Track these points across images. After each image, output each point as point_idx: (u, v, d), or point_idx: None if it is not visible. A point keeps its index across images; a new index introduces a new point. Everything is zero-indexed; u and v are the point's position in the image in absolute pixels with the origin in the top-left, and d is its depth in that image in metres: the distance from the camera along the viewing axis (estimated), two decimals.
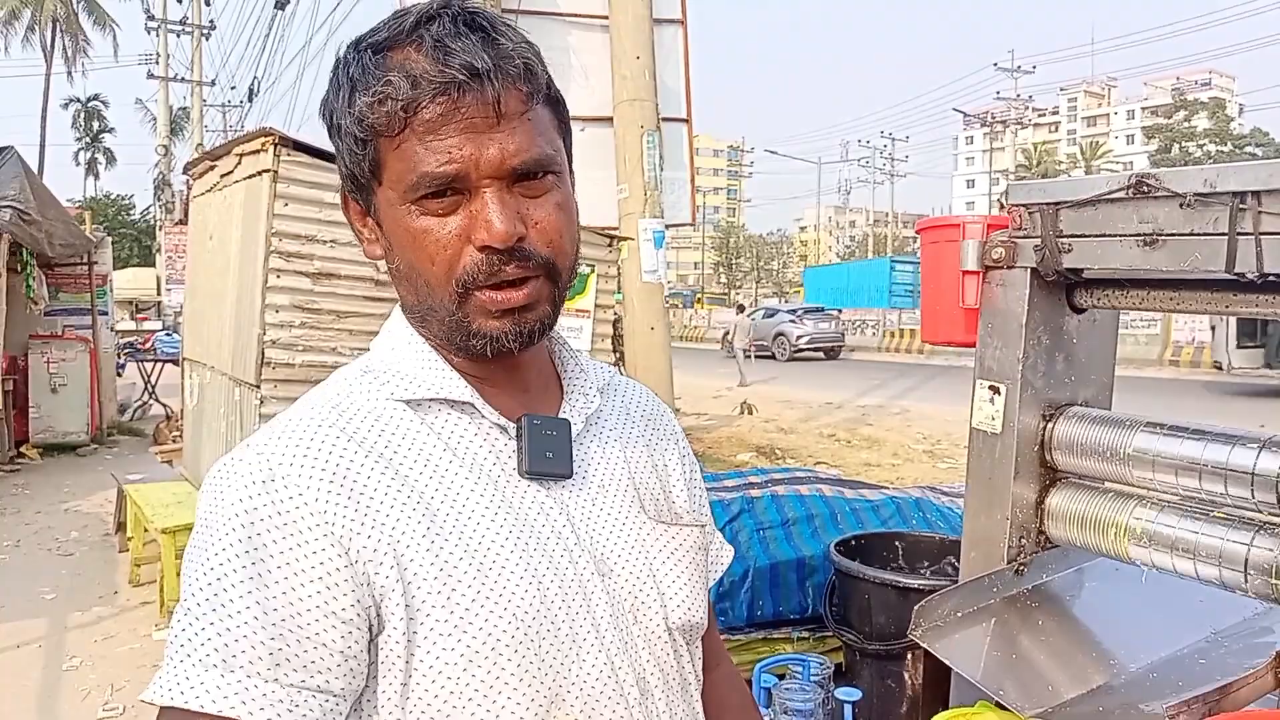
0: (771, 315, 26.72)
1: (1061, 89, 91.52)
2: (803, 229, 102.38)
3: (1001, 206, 1.85)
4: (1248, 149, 56.59)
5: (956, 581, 1.88)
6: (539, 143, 0.83)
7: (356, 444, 0.81)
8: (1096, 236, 1.66)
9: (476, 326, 0.83)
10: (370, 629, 0.77)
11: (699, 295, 33.91)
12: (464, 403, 0.87)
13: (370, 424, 0.84)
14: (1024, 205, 1.77)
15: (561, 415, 0.93)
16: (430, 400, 0.87)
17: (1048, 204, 1.71)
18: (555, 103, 0.87)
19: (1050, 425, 1.82)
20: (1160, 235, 1.56)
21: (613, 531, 0.92)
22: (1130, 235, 1.60)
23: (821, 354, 24.62)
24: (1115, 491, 1.73)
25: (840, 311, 27.61)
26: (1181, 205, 1.52)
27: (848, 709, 2.24)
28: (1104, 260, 1.66)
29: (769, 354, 24.27)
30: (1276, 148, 55.15)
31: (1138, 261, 1.60)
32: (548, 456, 0.88)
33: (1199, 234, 1.51)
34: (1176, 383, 15.31)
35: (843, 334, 25.61)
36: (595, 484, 0.93)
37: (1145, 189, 1.57)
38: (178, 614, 0.76)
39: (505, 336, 0.84)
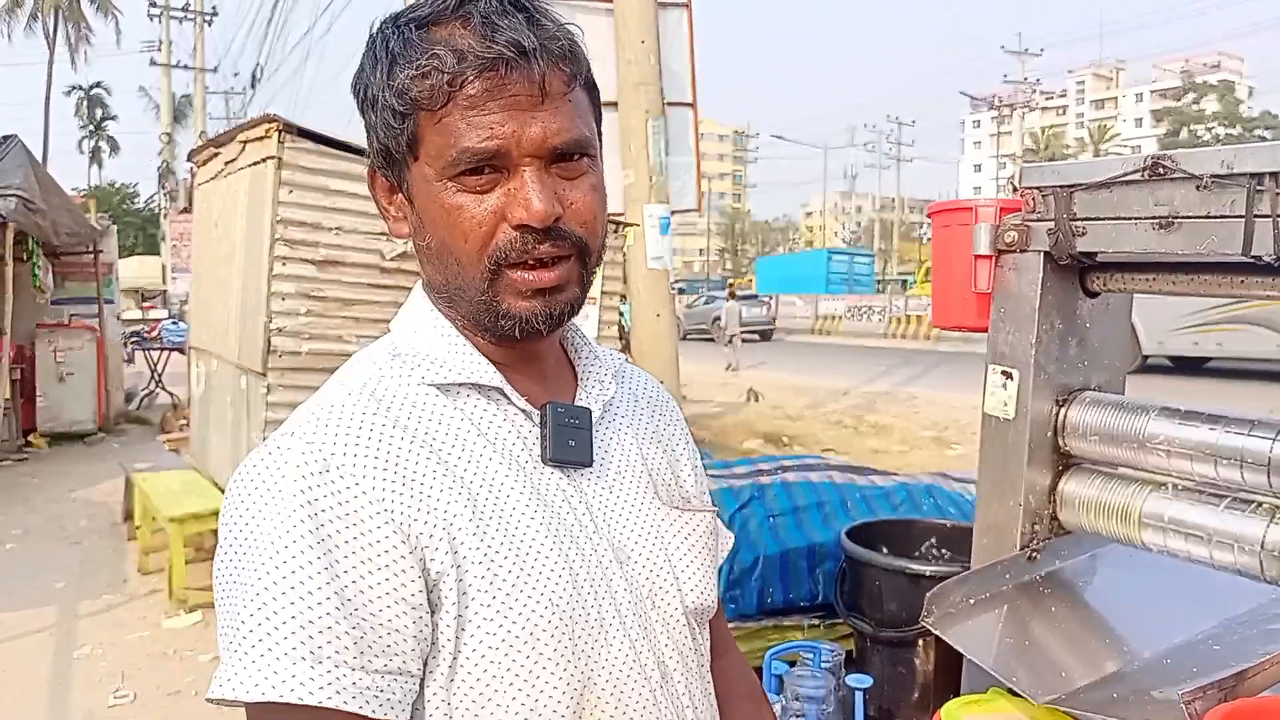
0: (709, 302, 28.81)
1: (1070, 72, 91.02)
2: (808, 215, 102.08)
3: (1014, 189, 1.83)
4: (1257, 132, 56.22)
5: (968, 568, 1.87)
6: (578, 124, 0.83)
7: (402, 430, 0.82)
8: (1111, 219, 1.64)
9: (506, 306, 0.83)
10: (430, 611, 0.78)
11: (731, 282, 33.92)
12: (492, 388, 0.87)
13: (409, 410, 0.84)
14: (1037, 188, 1.75)
15: (579, 402, 0.94)
16: (460, 385, 0.87)
17: (1061, 187, 1.69)
18: (592, 87, 0.88)
19: (1063, 411, 1.80)
20: (1176, 218, 1.54)
21: (629, 519, 0.93)
22: (1145, 218, 1.58)
23: (757, 336, 26.46)
24: (1129, 477, 1.72)
25: (775, 297, 30.80)
26: (1198, 187, 1.50)
27: (859, 696, 2.24)
28: (1118, 243, 1.64)
29: (710, 337, 25.87)
30: None
31: (1153, 245, 1.58)
32: (570, 445, 0.88)
33: (1215, 216, 1.49)
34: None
35: (773, 318, 28.31)
36: (612, 471, 0.94)
37: (1161, 171, 1.55)
38: (245, 607, 0.74)
39: (535, 318, 0.84)
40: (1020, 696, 1.55)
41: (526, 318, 0.84)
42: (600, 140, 0.90)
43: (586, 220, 0.85)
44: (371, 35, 0.84)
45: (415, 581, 0.77)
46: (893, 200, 75.21)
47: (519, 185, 0.80)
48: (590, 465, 0.90)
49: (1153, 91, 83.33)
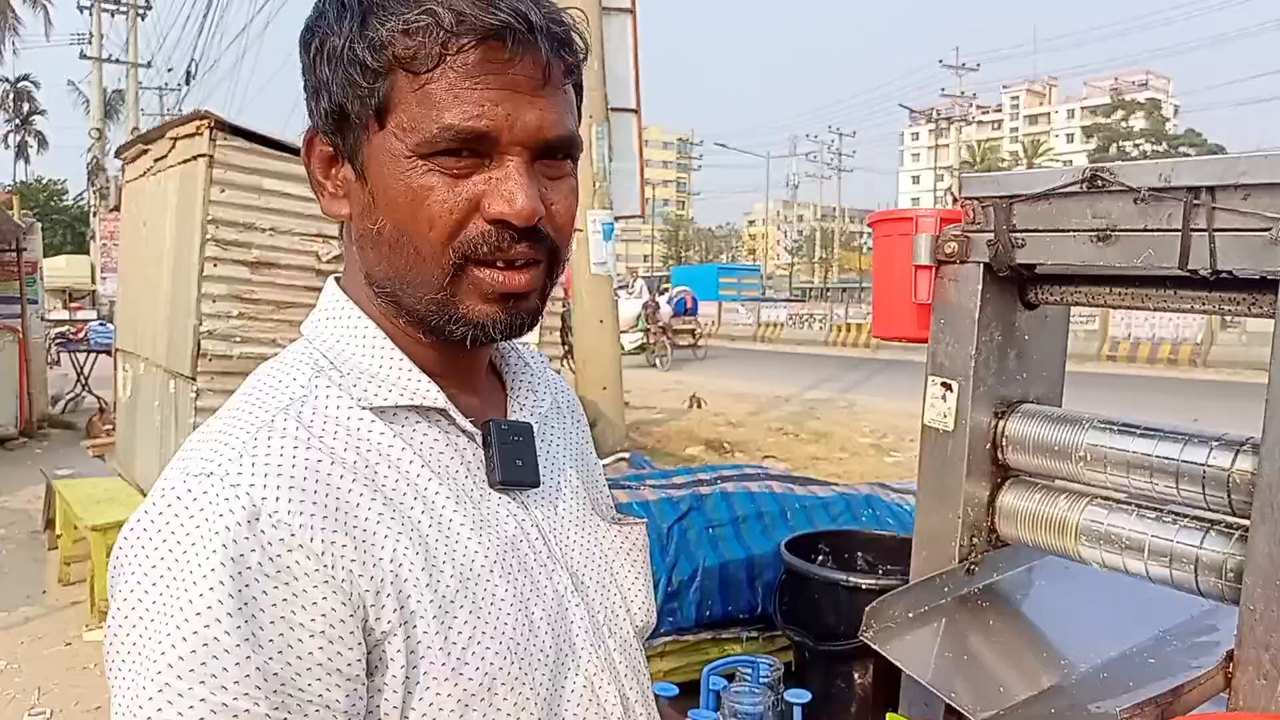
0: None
1: (1004, 87, 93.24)
2: (751, 223, 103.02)
3: (954, 200, 1.83)
4: (1181, 149, 58.15)
5: (907, 580, 1.86)
6: (569, 120, 0.74)
7: (341, 466, 0.70)
8: (1050, 231, 1.64)
9: (464, 310, 0.74)
10: (369, 677, 0.68)
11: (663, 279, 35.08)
12: (435, 409, 0.77)
13: (344, 439, 0.72)
14: (977, 199, 1.74)
15: (511, 415, 0.86)
16: (399, 408, 0.76)
17: (1001, 198, 1.69)
18: (580, 85, 0.78)
19: (1002, 423, 1.80)
20: (1114, 230, 1.54)
21: (578, 540, 0.86)
22: (1084, 230, 1.58)
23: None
24: (1067, 490, 1.72)
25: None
26: (1136, 200, 1.50)
27: (797, 711, 2.22)
28: (1057, 255, 1.64)
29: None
30: (1208, 149, 56.70)
31: (1090, 257, 1.58)
32: (517, 464, 0.80)
33: (1152, 230, 1.49)
34: (1114, 378, 15.63)
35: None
36: (553, 490, 0.87)
37: (1099, 183, 1.55)
38: (143, 689, 0.62)
39: (493, 325, 0.74)
40: None
41: (484, 324, 0.74)
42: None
43: (563, 226, 0.76)
44: None
45: (354, 649, 0.67)
46: (834, 210, 76.24)
47: (503, 176, 0.71)
48: (538, 485, 0.82)
49: (1083, 108, 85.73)
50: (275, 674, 0.63)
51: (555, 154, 0.74)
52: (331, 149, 0.77)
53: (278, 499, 0.66)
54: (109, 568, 0.69)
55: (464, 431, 0.79)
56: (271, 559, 0.64)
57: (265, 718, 0.63)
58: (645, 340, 20.23)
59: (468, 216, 0.71)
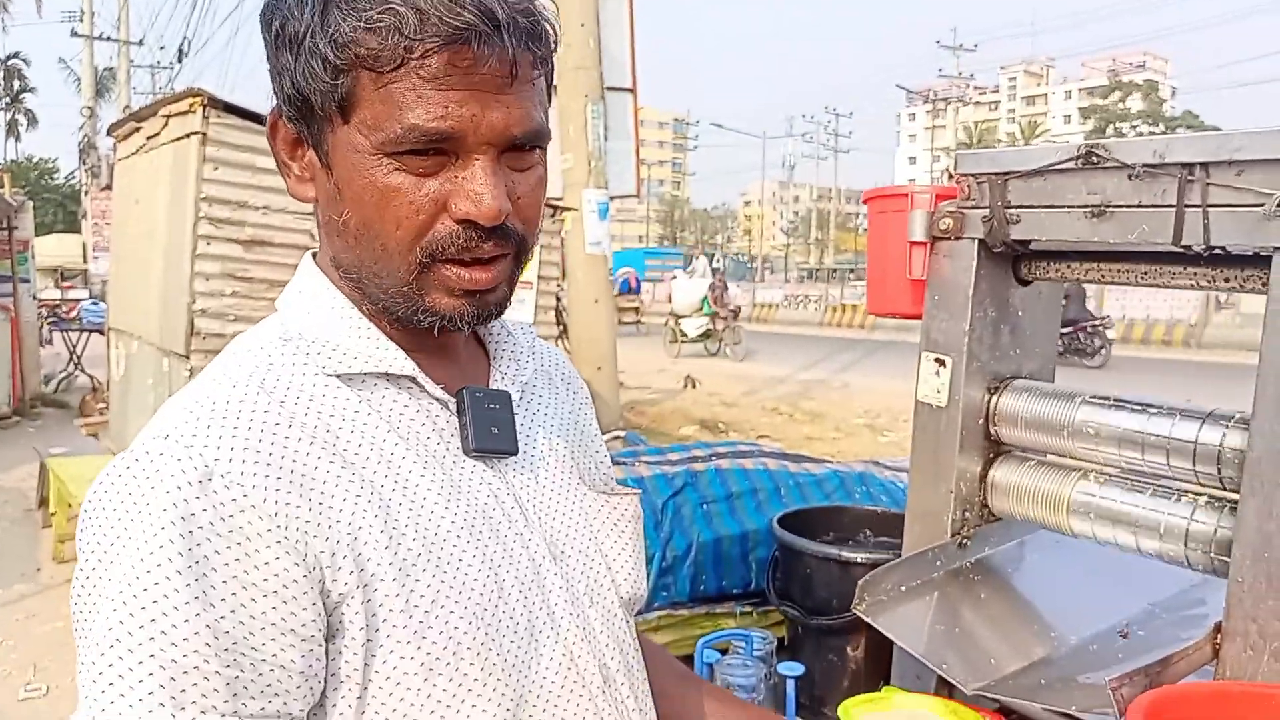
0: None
1: (1002, 68, 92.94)
2: (747, 203, 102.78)
3: (949, 176, 1.83)
4: (1178, 131, 58.06)
5: (900, 555, 1.87)
6: (538, 112, 0.74)
7: (299, 429, 0.71)
8: (1044, 208, 1.64)
9: (431, 303, 0.74)
10: (326, 640, 0.69)
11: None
12: (403, 377, 0.78)
13: (306, 404, 0.73)
14: (972, 175, 1.74)
15: (494, 384, 0.86)
16: (367, 375, 0.77)
17: (996, 174, 1.69)
18: (552, 70, 0.78)
19: (995, 398, 1.81)
20: (1108, 206, 1.54)
21: (559, 509, 0.86)
22: (1078, 206, 1.58)
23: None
24: (1059, 465, 1.73)
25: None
26: (1130, 176, 1.51)
27: (790, 684, 2.24)
28: (1051, 232, 1.65)
29: None
30: (1205, 131, 56.70)
31: (1085, 233, 1.59)
32: (493, 432, 0.80)
33: (1146, 205, 1.50)
34: (1110, 359, 15.65)
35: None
36: (535, 458, 0.86)
37: (1094, 159, 1.55)
38: (96, 645, 0.64)
39: (460, 317, 0.75)
40: (916, 693, 1.56)
41: (450, 316, 0.75)
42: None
43: (530, 217, 0.76)
44: None
45: (309, 609, 0.67)
46: (830, 190, 76.08)
47: (469, 176, 0.71)
48: (515, 453, 0.82)
49: (1081, 89, 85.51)
50: (226, 633, 0.64)
51: (522, 147, 0.74)
52: (295, 133, 0.76)
53: (230, 459, 0.67)
54: (77, 528, 0.71)
55: (436, 399, 0.80)
56: (224, 519, 0.65)
57: (216, 674, 0.63)
58: (711, 326, 17.90)
59: (434, 217, 0.72)
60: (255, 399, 0.72)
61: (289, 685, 0.66)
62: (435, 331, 0.77)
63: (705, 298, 18.03)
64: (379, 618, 0.69)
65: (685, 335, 18.06)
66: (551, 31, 0.75)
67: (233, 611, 0.64)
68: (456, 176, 0.71)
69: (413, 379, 0.79)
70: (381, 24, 0.67)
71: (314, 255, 0.84)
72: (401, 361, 0.78)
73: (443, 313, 0.75)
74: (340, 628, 0.69)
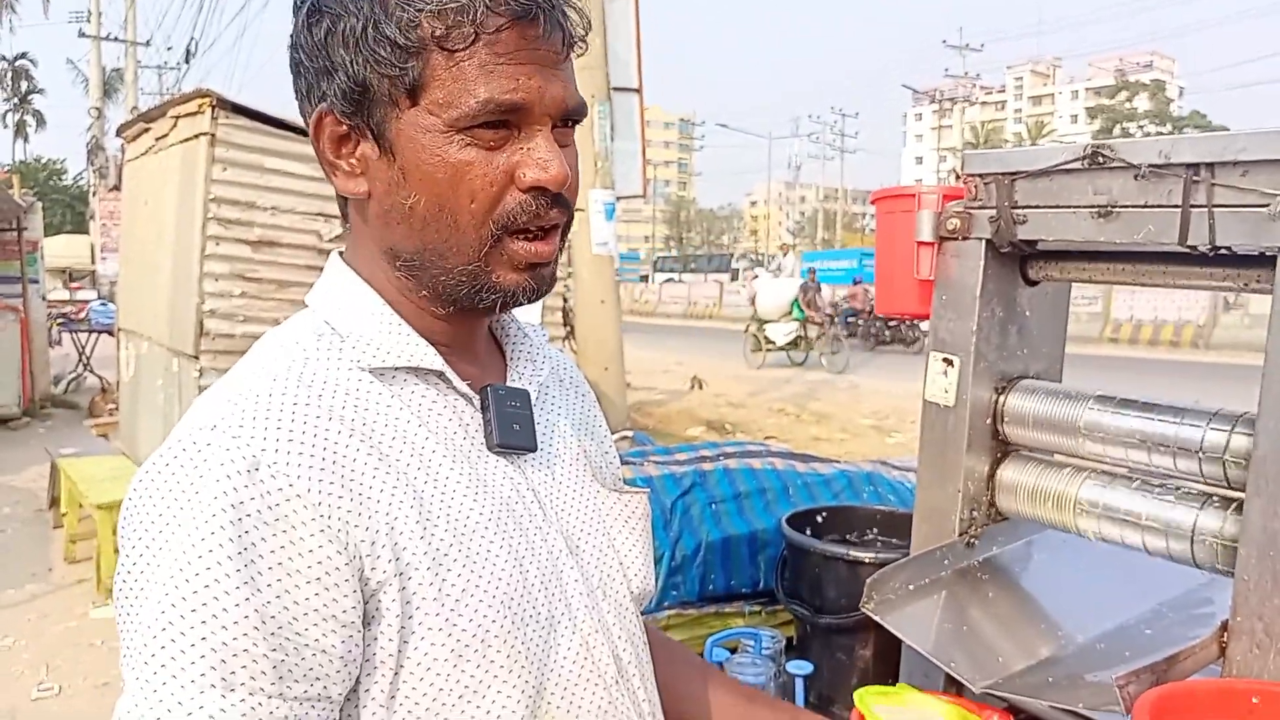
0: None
1: (1008, 68, 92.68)
2: (753, 204, 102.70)
3: (956, 177, 1.84)
4: (1186, 130, 57.89)
5: (908, 554, 1.88)
6: (578, 89, 0.79)
7: (338, 422, 0.74)
8: (1051, 208, 1.65)
9: (497, 279, 0.78)
10: (363, 626, 0.71)
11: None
12: (432, 372, 0.81)
13: (343, 397, 0.76)
14: (979, 175, 1.75)
15: (511, 383, 0.89)
16: (398, 369, 0.80)
17: (1003, 174, 1.70)
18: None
19: (1002, 398, 1.82)
20: (1114, 207, 1.55)
21: (574, 505, 0.89)
22: (1084, 207, 1.59)
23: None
24: (1065, 464, 1.74)
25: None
26: (1136, 177, 1.51)
27: (799, 682, 2.25)
28: (1058, 232, 1.65)
29: None
30: (1213, 130, 56.54)
31: (1091, 233, 1.60)
32: (515, 429, 0.83)
33: (1152, 206, 1.50)
34: (1117, 359, 15.65)
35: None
36: (552, 455, 0.90)
37: (1100, 160, 1.56)
38: (148, 628, 0.65)
39: (520, 292, 0.79)
40: (929, 691, 1.57)
41: (513, 291, 0.79)
42: None
43: (575, 189, 0.81)
44: None
45: (350, 596, 0.70)
46: (836, 191, 75.98)
47: (534, 145, 0.75)
48: (535, 450, 0.85)
49: (1087, 89, 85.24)
50: (273, 617, 0.66)
51: (568, 122, 0.79)
52: (345, 128, 0.78)
53: (277, 450, 0.69)
54: (120, 519, 0.72)
55: (461, 394, 0.82)
56: (270, 507, 0.68)
57: (264, 657, 0.66)
58: (801, 333, 15.90)
59: (504, 189, 0.76)
60: (296, 392, 0.74)
61: (330, 669, 0.69)
62: (496, 309, 0.80)
63: (796, 300, 16.14)
64: (413, 605, 0.72)
65: (771, 343, 15.99)
66: (581, 17, 0.81)
67: (278, 597, 0.67)
68: (522, 148, 0.75)
69: (441, 374, 0.81)
70: (453, 5, 0.72)
71: (341, 254, 0.87)
72: (431, 357, 0.81)
73: (507, 289, 0.79)
74: (377, 614, 0.71)
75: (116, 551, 4.94)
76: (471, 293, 0.79)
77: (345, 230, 0.87)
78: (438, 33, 0.72)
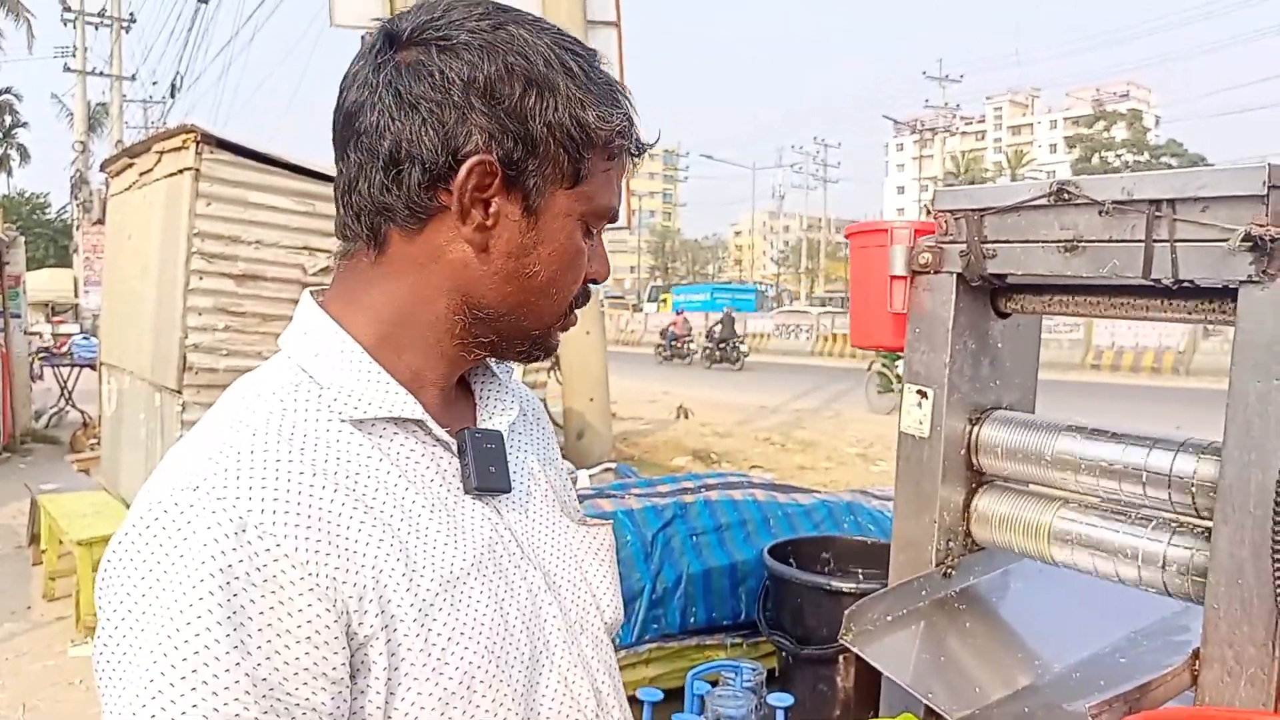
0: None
1: (988, 98, 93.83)
2: (737, 234, 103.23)
3: (928, 212, 1.87)
4: (1163, 159, 58.62)
5: (887, 585, 1.89)
6: None
7: (323, 477, 0.74)
8: (1019, 242, 1.68)
9: (551, 341, 0.90)
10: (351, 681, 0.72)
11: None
12: (411, 420, 0.82)
13: (324, 451, 0.76)
14: (950, 211, 1.79)
15: (481, 423, 0.90)
16: (377, 420, 0.80)
17: (973, 210, 1.73)
18: None
19: (976, 429, 1.84)
20: (1080, 241, 1.59)
21: (549, 542, 0.91)
22: (1051, 241, 1.63)
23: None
24: (1039, 494, 1.76)
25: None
26: (1100, 212, 1.55)
27: (780, 714, 2.24)
28: (1026, 266, 1.69)
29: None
30: (1190, 159, 57.24)
31: (1058, 267, 1.63)
32: (491, 471, 0.85)
33: (1117, 240, 1.54)
34: (1098, 386, 15.75)
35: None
36: (525, 494, 0.91)
37: (1066, 196, 1.59)
38: (136, 697, 0.65)
39: (551, 350, 0.91)
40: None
41: (551, 349, 0.91)
42: None
43: None
44: (544, 31, 0.81)
45: (339, 653, 0.70)
46: (820, 220, 76.51)
47: (598, 246, 0.89)
48: (510, 490, 0.86)
49: (1066, 118, 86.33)
50: (264, 679, 0.66)
51: None
52: (495, 181, 0.79)
53: (263, 511, 0.69)
54: (97, 581, 0.71)
55: (439, 441, 0.83)
56: (259, 569, 0.67)
57: None
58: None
59: (583, 276, 0.88)
60: (277, 448, 0.74)
61: None
62: (528, 361, 0.92)
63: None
64: (399, 656, 0.73)
65: (888, 383, 13.73)
66: None
67: (268, 659, 0.67)
68: (594, 246, 0.88)
69: (420, 423, 0.82)
70: (620, 123, 0.83)
71: (313, 294, 0.87)
72: (411, 406, 0.81)
73: (550, 346, 0.90)
74: (364, 667, 0.72)
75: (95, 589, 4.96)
76: (527, 349, 0.89)
77: (338, 265, 0.86)
78: (608, 139, 0.82)
